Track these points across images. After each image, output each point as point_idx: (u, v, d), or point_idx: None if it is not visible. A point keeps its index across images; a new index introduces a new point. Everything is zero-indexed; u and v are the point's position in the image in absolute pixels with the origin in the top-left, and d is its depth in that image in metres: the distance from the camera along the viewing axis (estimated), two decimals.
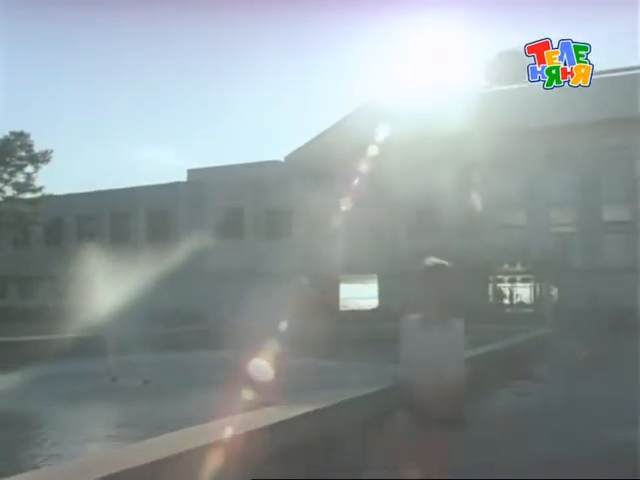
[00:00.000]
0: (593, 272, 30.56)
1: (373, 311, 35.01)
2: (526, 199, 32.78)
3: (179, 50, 79.66)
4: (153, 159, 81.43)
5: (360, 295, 37.72)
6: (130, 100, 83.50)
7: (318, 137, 39.48)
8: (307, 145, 39.71)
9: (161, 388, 10.22)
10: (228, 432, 3.80)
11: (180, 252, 26.60)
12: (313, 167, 34.31)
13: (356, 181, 26.99)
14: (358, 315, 31.08)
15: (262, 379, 2.93)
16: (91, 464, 3.79)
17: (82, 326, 13.53)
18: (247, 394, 2.76)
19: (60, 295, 21.49)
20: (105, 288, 13.65)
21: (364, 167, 27.15)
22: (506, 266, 33.68)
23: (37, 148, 38.31)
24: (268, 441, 4.18)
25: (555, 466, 5.96)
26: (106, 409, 9.13)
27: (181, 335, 18.53)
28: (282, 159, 40.40)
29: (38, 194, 38.27)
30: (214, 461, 3.55)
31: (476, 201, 30.72)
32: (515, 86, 35.09)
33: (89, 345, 13.17)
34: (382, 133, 28.80)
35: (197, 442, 3.98)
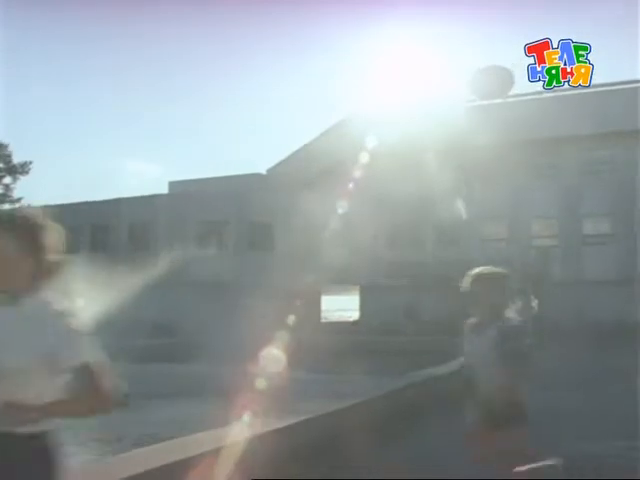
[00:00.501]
0: (574, 284, 30.81)
1: (354, 323, 35.01)
2: (508, 211, 33.02)
3: (161, 63, 79.60)
4: (134, 171, 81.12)
5: (341, 307, 37.71)
6: (111, 112, 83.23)
7: (300, 150, 39.52)
8: (289, 158, 39.75)
9: (141, 400, 10.11)
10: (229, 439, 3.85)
11: (161, 264, 26.45)
12: (295, 180, 34.32)
13: (338, 193, 27.02)
14: (339, 327, 31.05)
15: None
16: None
17: None
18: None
19: None
20: (85, 300, 13.51)
21: (346, 179, 27.21)
22: None
23: (16, 159, 38.10)
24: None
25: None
26: (84, 423, 8.99)
27: (162, 347, 18.40)
28: (264, 172, 40.40)
29: (17, 205, 37.97)
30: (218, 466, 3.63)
31: (458, 213, 30.89)
32: (499, 100, 35.39)
33: None
34: (365, 146, 28.89)
35: (198, 449, 4.02)
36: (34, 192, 76.39)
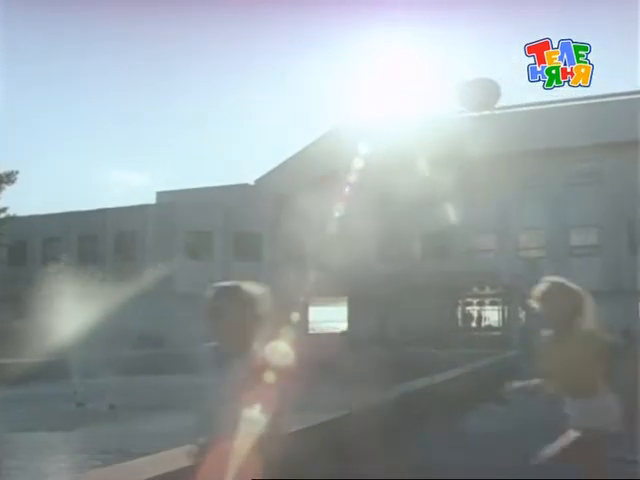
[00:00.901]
0: None
1: (342, 334, 34.96)
2: (496, 223, 33.14)
3: (148, 72, 79.54)
4: (122, 181, 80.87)
5: (329, 318, 37.64)
6: (99, 120, 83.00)
7: (287, 160, 39.59)
8: (277, 168, 39.81)
9: (127, 413, 10.02)
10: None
11: (148, 274, 26.35)
12: (282, 190, 34.35)
13: (326, 204, 27.03)
14: (327, 338, 30.99)
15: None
16: None
17: (47, 349, 13.25)
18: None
19: (25, 317, 21.10)
20: (71, 310, 13.43)
21: (333, 190, 27.21)
22: (475, 289, 33.91)
23: (1, 169, 37.84)
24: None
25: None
26: (70, 436, 8.90)
27: (149, 358, 18.29)
28: (252, 182, 40.45)
29: (2, 215, 37.69)
30: None
31: (447, 225, 30.96)
32: (487, 112, 35.57)
33: (54, 368, 12.91)
34: (353, 157, 28.87)
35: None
36: (20, 202, 76.12)
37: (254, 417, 2.68)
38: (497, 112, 35.82)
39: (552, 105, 34.45)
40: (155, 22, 64.92)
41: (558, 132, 31.86)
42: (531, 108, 35.48)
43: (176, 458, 4.16)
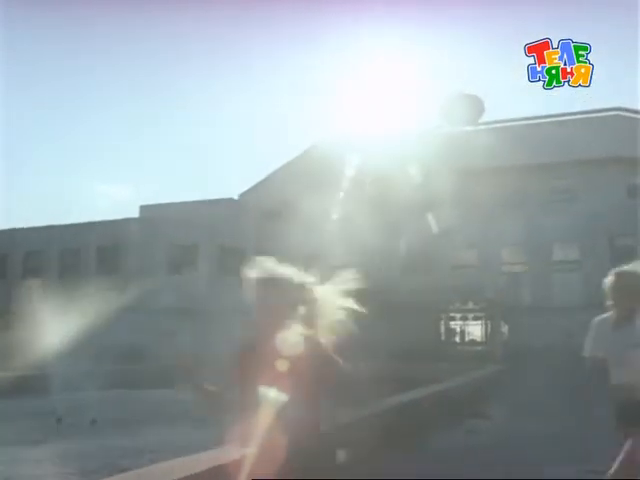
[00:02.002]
0: (543, 310, 31.05)
1: None
2: (479, 238, 33.26)
3: (131, 83, 79.43)
4: (105, 194, 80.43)
5: None
6: (82, 133, 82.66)
7: (271, 175, 39.62)
8: (261, 183, 39.81)
9: (109, 427, 9.92)
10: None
11: (131, 288, 26.20)
12: (267, 205, 34.36)
13: (309, 219, 27.09)
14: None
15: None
16: None
17: (28, 363, 13.11)
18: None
19: (5, 330, 20.89)
20: (53, 324, 13.32)
21: (317, 205, 27.31)
22: (458, 304, 33.97)
23: None
24: None
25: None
26: (49, 452, 8.76)
27: (132, 372, 18.14)
28: (236, 197, 40.43)
29: None
30: None
31: (428, 240, 31.05)
32: (469, 128, 35.82)
33: (35, 383, 12.77)
34: (335, 172, 29.07)
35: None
36: (1, 215, 75.38)
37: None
38: (480, 127, 36.14)
39: (534, 121, 34.79)
40: (145, 26, 64.89)
41: (540, 148, 32.16)
42: (513, 124, 35.82)
43: (179, 467, 4.12)
